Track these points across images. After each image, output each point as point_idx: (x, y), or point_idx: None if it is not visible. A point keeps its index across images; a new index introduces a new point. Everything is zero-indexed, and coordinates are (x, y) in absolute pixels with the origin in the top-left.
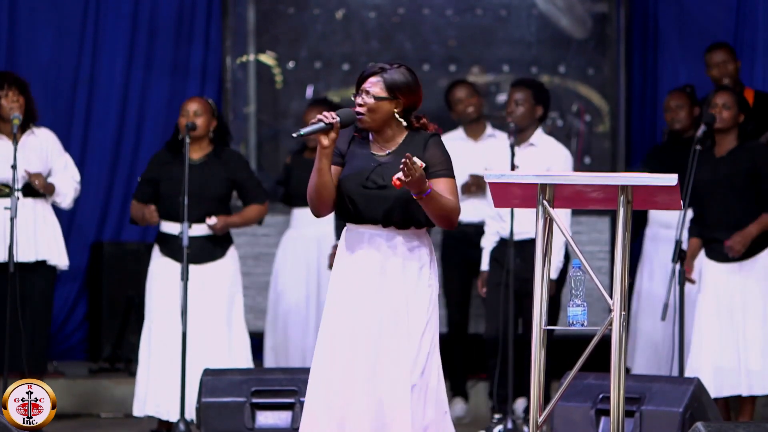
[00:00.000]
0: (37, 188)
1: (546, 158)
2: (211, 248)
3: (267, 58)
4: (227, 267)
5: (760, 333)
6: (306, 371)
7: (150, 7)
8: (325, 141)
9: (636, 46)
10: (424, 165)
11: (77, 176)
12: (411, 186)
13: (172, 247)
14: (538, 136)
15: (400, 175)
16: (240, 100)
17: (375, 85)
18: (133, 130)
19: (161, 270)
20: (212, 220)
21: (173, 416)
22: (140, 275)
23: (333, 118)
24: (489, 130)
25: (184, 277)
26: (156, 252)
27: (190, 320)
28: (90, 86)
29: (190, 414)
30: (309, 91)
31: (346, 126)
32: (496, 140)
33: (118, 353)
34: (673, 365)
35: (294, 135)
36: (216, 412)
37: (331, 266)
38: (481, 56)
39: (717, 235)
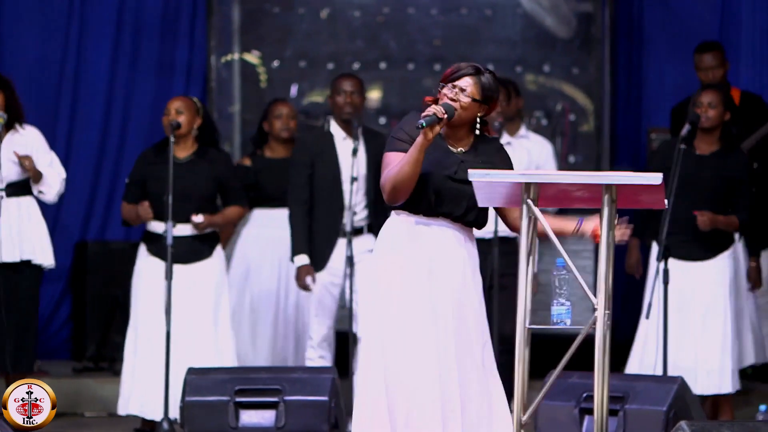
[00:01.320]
0: (26, 169)
1: (544, 148)
2: (198, 248)
3: (252, 58)
4: (214, 266)
5: (720, 332)
6: (288, 370)
7: (135, 6)
8: (429, 134)
9: (621, 45)
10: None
11: (63, 173)
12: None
13: (158, 246)
14: (524, 129)
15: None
16: (225, 99)
17: (473, 86)
18: (118, 128)
19: (147, 269)
20: (198, 218)
21: (157, 415)
22: (125, 274)
23: (443, 114)
24: (522, 130)
25: (168, 276)
26: (142, 251)
27: (176, 319)
28: (75, 84)
29: (174, 413)
30: (293, 90)
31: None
32: (529, 141)
33: (103, 352)
34: (656, 364)
35: (417, 126)
36: (200, 411)
37: (302, 287)
38: (466, 55)
39: (681, 232)
